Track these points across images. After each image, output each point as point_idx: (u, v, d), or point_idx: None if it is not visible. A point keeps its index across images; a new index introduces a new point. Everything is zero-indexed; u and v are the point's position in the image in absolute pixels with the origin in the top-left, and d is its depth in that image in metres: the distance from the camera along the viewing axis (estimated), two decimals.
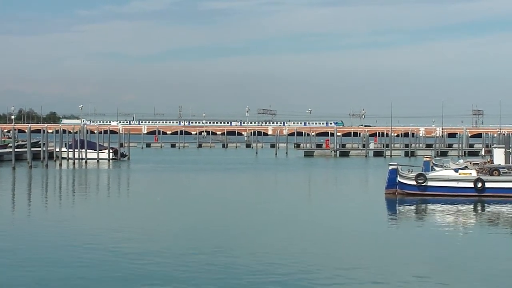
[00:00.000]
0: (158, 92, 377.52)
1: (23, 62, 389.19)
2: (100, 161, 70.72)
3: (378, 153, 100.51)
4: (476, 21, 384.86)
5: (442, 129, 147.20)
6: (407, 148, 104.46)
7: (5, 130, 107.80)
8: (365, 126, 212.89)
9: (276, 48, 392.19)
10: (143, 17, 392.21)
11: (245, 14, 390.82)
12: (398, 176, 39.79)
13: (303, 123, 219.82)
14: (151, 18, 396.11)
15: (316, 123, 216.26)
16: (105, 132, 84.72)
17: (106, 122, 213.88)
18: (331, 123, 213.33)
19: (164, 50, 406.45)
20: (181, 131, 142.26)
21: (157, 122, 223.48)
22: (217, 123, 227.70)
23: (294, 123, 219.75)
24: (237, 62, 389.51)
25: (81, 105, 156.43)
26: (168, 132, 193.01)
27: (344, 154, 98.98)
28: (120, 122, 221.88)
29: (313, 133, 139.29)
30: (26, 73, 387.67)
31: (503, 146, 49.71)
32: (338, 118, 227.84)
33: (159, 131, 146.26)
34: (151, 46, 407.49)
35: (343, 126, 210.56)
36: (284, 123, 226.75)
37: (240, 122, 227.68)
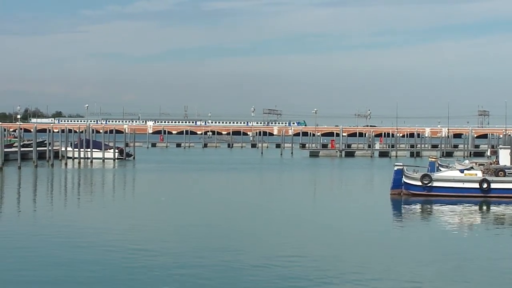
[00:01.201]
0: (159, 92, 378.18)
1: (26, 62, 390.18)
2: (105, 160, 70.83)
3: (383, 154, 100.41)
4: (478, 21, 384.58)
5: (448, 129, 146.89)
6: (412, 149, 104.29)
7: (11, 130, 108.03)
8: (371, 126, 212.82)
9: (279, 49, 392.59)
10: (146, 18, 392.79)
11: (248, 14, 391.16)
12: (403, 176, 39.75)
13: (265, 122, 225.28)
14: (154, 19, 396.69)
15: (278, 123, 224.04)
16: (111, 131, 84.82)
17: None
18: (293, 123, 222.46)
19: (166, 50, 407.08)
20: (186, 131, 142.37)
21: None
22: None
23: (257, 123, 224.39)
24: (240, 63, 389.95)
25: (87, 105, 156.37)
26: (174, 132, 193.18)
27: (350, 154, 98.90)
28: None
29: (318, 133, 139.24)
30: (28, 73, 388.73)
31: (509, 146, 49.61)
32: (344, 118, 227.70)
33: (164, 131, 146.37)
34: (154, 46, 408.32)
35: (305, 126, 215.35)
36: (247, 123, 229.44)
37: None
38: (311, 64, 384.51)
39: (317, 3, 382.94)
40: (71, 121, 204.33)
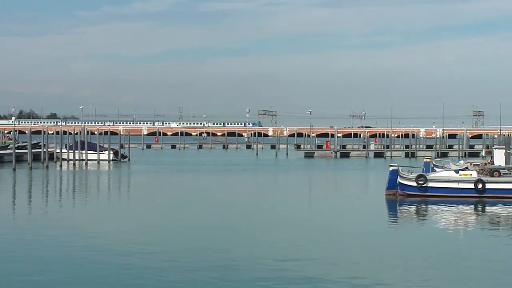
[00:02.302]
0: (158, 93, 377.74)
1: (24, 63, 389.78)
2: (100, 162, 70.74)
3: (378, 154, 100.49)
4: (476, 21, 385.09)
5: (443, 130, 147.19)
6: (407, 149, 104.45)
7: (5, 131, 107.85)
8: (366, 127, 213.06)
9: (277, 49, 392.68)
10: (143, 18, 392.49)
11: (246, 15, 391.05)
12: (398, 177, 39.78)
13: (222, 123, 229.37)
14: (151, 19, 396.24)
15: (233, 123, 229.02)
16: (106, 133, 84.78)
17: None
18: (248, 123, 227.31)
19: (163, 51, 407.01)
20: (181, 132, 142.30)
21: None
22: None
23: (213, 124, 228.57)
24: (237, 63, 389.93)
25: (82, 106, 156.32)
26: (169, 133, 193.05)
27: (345, 155, 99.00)
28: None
29: (313, 134, 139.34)
30: (26, 74, 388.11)
31: (504, 147, 49.71)
32: (339, 119, 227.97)
33: (159, 132, 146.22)
34: (151, 47, 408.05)
35: (260, 126, 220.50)
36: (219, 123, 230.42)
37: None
38: (309, 65, 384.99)
39: (315, 4, 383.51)
40: (40, 122, 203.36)
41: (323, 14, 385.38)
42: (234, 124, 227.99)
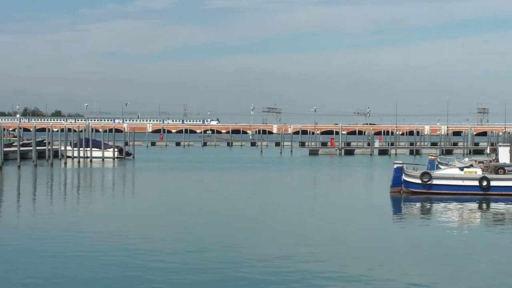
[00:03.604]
0: (161, 90, 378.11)
1: (27, 61, 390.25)
2: (105, 159, 70.83)
3: (383, 152, 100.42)
4: (481, 18, 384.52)
5: (447, 127, 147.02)
6: (412, 147, 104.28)
7: (10, 129, 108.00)
8: (370, 124, 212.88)
9: (281, 47, 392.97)
10: (147, 16, 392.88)
11: (249, 12, 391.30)
12: (403, 174, 39.74)
13: (181, 120, 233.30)
14: (155, 17, 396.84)
15: (193, 121, 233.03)
16: (110, 130, 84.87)
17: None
18: (207, 121, 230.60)
19: (167, 49, 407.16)
20: (185, 130, 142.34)
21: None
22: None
23: (172, 121, 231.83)
24: (242, 61, 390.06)
25: (86, 104, 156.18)
26: (173, 131, 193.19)
27: (349, 152, 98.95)
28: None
29: (318, 132, 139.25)
30: (29, 72, 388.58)
31: (509, 144, 49.62)
32: (343, 116, 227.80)
33: (164, 130, 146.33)
34: (155, 44, 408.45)
35: (218, 123, 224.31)
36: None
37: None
38: (314, 62, 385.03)
39: (317, 1, 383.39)
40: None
41: (324, 12, 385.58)
42: (192, 121, 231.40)
